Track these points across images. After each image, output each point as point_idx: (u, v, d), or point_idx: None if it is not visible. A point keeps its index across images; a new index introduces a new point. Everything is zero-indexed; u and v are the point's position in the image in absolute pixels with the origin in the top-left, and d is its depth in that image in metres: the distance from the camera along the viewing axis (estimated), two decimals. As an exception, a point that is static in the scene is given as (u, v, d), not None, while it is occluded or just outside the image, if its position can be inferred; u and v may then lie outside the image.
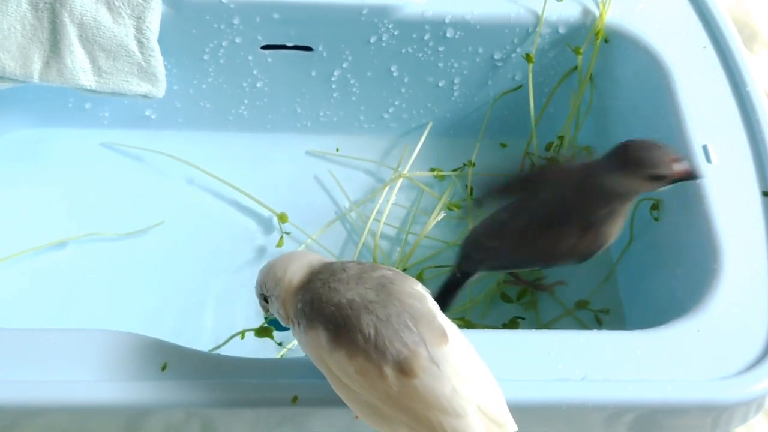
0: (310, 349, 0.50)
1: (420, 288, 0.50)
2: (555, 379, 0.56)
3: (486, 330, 0.61)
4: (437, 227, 0.81)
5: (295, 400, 0.54)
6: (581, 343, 0.58)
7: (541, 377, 0.56)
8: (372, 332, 0.47)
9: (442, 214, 0.81)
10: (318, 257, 0.54)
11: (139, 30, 0.74)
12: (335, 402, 0.51)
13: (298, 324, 0.51)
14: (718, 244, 0.63)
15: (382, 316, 0.47)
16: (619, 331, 0.60)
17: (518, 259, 0.67)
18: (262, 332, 0.61)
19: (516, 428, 0.48)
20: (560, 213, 0.63)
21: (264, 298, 0.55)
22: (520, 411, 0.55)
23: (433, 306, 0.50)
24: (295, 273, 0.52)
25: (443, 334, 0.48)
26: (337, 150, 0.86)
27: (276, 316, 0.54)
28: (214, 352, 0.58)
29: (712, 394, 0.55)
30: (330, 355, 0.48)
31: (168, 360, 0.55)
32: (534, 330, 0.64)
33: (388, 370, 0.46)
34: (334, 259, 0.55)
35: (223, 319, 0.74)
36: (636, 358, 0.57)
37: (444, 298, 0.69)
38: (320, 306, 0.49)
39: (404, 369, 0.46)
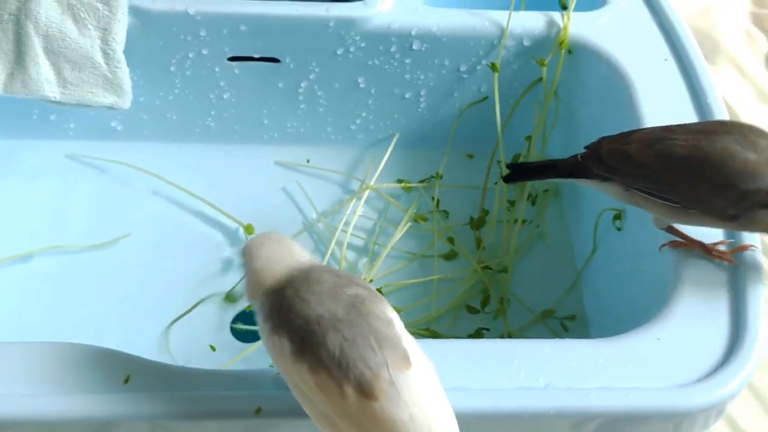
0: (272, 352, 0.50)
1: (389, 312, 0.50)
2: (518, 388, 0.56)
3: (449, 340, 0.61)
4: (403, 239, 0.81)
5: (258, 411, 0.54)
6: (544, 352, 0.58)
7: (504, 386, 0.56)
8: (337, 351, 0.47)
9: (409, 225, 0.81)
10: (302, 258, 0.54)
11: (104, 41, 0.74)
12: (299, 414, 0.51)
13: (264, 323, 0.51)
14: (678, 252, 0.64)
15: (348, 337, 0.48)
16: (581, 339, 0.60)
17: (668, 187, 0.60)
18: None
19: None
20: None
21: (243, 260, 0.55)
22: (483, 420, 0.56)
23: (401, 330, 0.50)
24: (274, 271, 0.52)
25: (406, 359, 0.48)
26: (308, 161, 0.86)
27: (244, 285, 0.54)
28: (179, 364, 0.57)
29: (673, 401, 0.56)
30: (292, 365, 0.48)
31: (131, 372, 0.55)
32: (497, 339, 0.65)
33: (349, 390, 0.46)
34: (317, 261, 0.55)
35: (188, 331, 0.73)
36: (598, 366, 0.58)
37: (526, 172, 0.67)
38: (288, 316, 0.49)
39: (365, 391, 0.46)
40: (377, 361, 0.47)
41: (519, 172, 0.70)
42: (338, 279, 0.51)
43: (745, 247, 0.63)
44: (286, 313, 0.50)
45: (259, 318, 0.52)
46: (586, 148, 0.65)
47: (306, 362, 0.48)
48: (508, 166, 0.69)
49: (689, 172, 0.59)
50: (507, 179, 0.70)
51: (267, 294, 0.52)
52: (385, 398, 0.46)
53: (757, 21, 1.12)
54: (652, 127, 0.63)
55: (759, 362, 0.59)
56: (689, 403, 0.56)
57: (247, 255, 0.54)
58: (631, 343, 0.59)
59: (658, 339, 0.59)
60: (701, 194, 0.59)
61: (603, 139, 0.64)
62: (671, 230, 0.64)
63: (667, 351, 0.59)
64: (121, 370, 0.55)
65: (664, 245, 0.65)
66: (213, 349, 0.71)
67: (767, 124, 1.00)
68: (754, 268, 0.63)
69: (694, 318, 0.61)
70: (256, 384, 0.54)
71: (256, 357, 0.70)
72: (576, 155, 0.65)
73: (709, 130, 0.61)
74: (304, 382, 0.48)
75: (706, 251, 0.63)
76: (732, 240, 0.64)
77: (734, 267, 0.63)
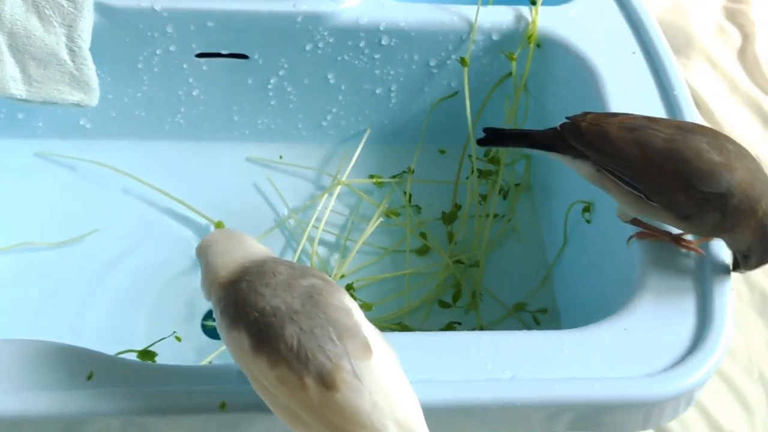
0: (231, 348, 0.50)
1: (347, 301, 0.50)
2: (484, 380, 0.56)
3: (416, 333, 0.61)
4: (376, 234, 0.81)
5: (223, 406, 0.53)
6: (511, 344, 0.58)
7: (471, 378, 0.56)
8: (295, 343, 0.47)
9: (381, 221, 0.81)
10: (257, 251, 0.53)
11: (70, 38, 0.73)
12: (264, 408, 0.51)
13: (222, 319, 0.51)
14: (646, 244, 0.64)
15: (306, 328, 0.47)
16: (548, 330, 0.60)
17: (639, 177, 0.60)
18: (144, 356, 0.62)
19: None
20: None
21: (199, 257, 0.55)
22: (450, 412, 0.56)
23: (360, 319, 0.50)
24: (227, 265, 0.52)
25: (367, 348, 0.48)
26: (281, 157, 0.86)
27: (202, 286, 0.54)
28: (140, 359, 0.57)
29: (639, 390, 0.56)
30: (253, 360, 0.48)
31: (94, 369, 0.54)
32: (464, 331, 0.65)
33: (310, 382, 0.46)
34: (273, 255, 0.55)
35: (156, 328, 0.73)
36: (564, 357, 0.58)
37: (500, 138, 0.66)
38: (244, 309, 0.49)
39: (326, 382, 0.46)
40: (337, 352, 0.47)
41: (494, 136, 0.68)
42: (293, 271, 0.50)
43: (709, 238, 0.63)
44: (242, 306, 0.49)
45: (216, 314, 0.51)
46: (568, 118, 0.64)
47: (265, 356, 0.47)
48: (484, 130, 0.68)
49: (660, 164, 0.59)
50: (481, 142, 0.69)
51: (222, 288, 0.51)
52: (347, 388, 0.46)
53: (730, 15, 1.13)
54: (637, 115, 0.63)
55: (726, 351, 0.60)
56: (656, 392, 0.57)
57: (201, 252, 0.54)
58: (598, 334, 0.59)
59: (625, 329, 0.59)
60: (666, 188, 0.59)
61: (587, 113, 0.64)
62: (636, 223, 0.64)
63: (634, 341, 0.59)
64: (84, 367, 0.54)
65: (632, 237, 0.65)
66: (178, 339, 0.70)
67: (739, 117, 1.03)
68: (721, 257, 0.63)
69: (661, 308, 0.61)
70: (220, 379, 0.54)
71: (226, 353, 0.70)
72: (555, 126, 0.65)
73: (686, 128, 0.61)
74: (264, 377, 0.48)
75: (674, 241, 0.64)
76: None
77: (700, 257, 0.63)
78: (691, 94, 1.03)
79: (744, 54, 1.09)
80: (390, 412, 0.46)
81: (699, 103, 1.04)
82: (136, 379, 0.54)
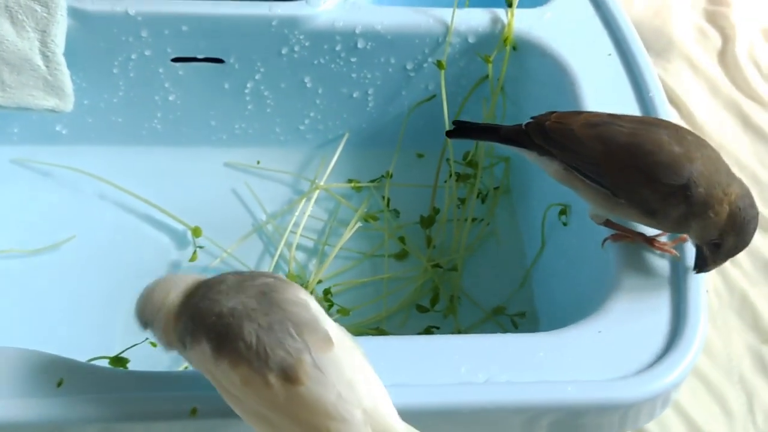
0: (198, 364, 0.50)
1: (303, 294, 0.50)
2: (458, 383, 0.56)
3: (390, 337, 0.61)
4: (354, 239, 0.81)
5: (194, 412, 0.53)
6: (485, 347, 0.58)
7: (444, 381, 0.56)
8: (254, 340, 0.47)
9: (359, 225, 0.81)
10: (194, 277, 0.53)
11: (43, 43, 0.73)
12: (235, 414, 0.51)
13: (184, 344, 0.51)
14: (620, 246, 0.64)
15: (263, 324, 0.47)
16: (522, 333, 0.60)
17: (603, 174, 0.60)
18: (116, 362, 0.61)
19: (403, 430, 0.48)
20: None
21: (145, 325, 0.54)
22: (424, 416, 0.55)
23: (317, 311, 0.49)
24: (175, 296, 0.52)
25: (328, 340, 0.47)
26: (258, 162, 0.85)
27: (158, 342, 0.53)
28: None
29: (612, 393, 0.56)
30: (216, 366, 0.48)
31: (64, 375, 0.54)
32: (438, 335, 0.64)
33: (273, 379, 0.46)
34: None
35: (133, 334, 0.72)
36: (538, 360, 0.57)
37: (469, 131, 0.66)
38: (201, 318, 0.49)
39: (289, 376, 0.46)
40: (297, 346, 0.47)
41: (463, 129, 0.68)
42: (241, 275, 0.50)
43: (684, 239, 0.63)
44: (199, 318, 0.49)
45: (181, 348, 0.51)
46: (532, 118, 0.64)
47: (226, 357, 0.47)
48: (453, 122, 0.68)
49: (623, 158, 0.59)
50: (449, 134, 0.69)
51: (177, 316, 0.51)
52: (311, 381, 0.46)
53: (711, 18, 1.13)
54: (601, 112, 0.63)
55: (700, 351, 0.59)
56: (630, 394, 0.56)
57: (142, 309, 0.53)
58: (572, 337, 0.59)
59: (599, 332, 0.59)
60: (630, 183, 0.59)
61: (552, 112, 0.64)
62: (609, 224, 0.64)
63: (609, 343, 0.59)
64: (55, 374, 0.54)
65: (606, 239, 0.65)
66: (153, 345, 0.70)
67: (719, 119, 1.03)
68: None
69: (635, 310, 0.61)
70: (191, 385, 0.54)
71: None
72: (521, 123, 0.65)
73: (648, 121, 0.61)
74: (230, 382, 0.47)
75: (648, 243, 0.63)
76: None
77: (675, 258, 0.63)
78: (671, 97, 1.05)
79: (724, 56, 1.10)
80: (356, 401, 0.46)
81: (680, 106, 1.04)
82: (106, 385, 0.54)
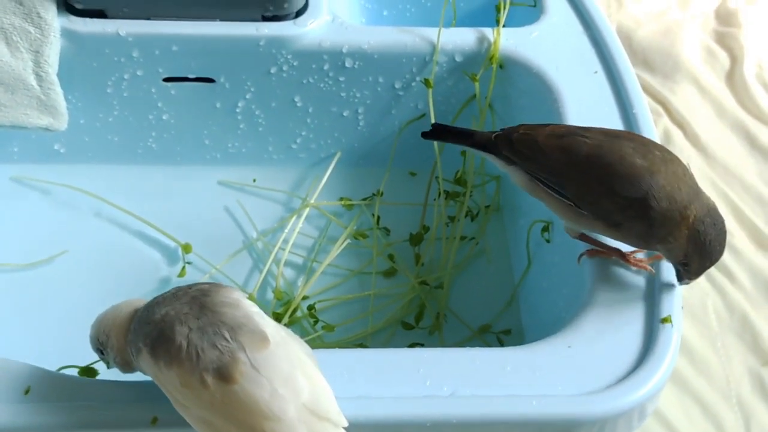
0: (147, 371, 0.51)
1: (236, 295, 0.51)
2: (422, 396, 0.56)
3: (354, 349, 0.61)
4: (344, 256, 0.81)
5: (154, 421, 0.54)
6: (452, 361, 0.58)
7: (409, 394, 0.56)
8: (184, 342, 0.48)
9: (348, 242, 0.81)
10: (143, 301, 0.55)
11: (37, 64, 0.75)
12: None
13: (133, 355, 0.52)
14: (596, 261, 0.63)
15: (194, 327, 0.48)
16: (489, 348, 0.60)
17: (566, 184, 0.60)
18: (86, 372, 0.62)
19: (346, 423, 0.48)
20: None
21: (101, 352, 0.56)
22: (387, 428, 0.55)
23: (252, 311, 0.50)
24: (123, 318, 0.54)
25: (263, 338, 0.48)
26: (254, 181, 0.86)
27: (116, 365, 0.55)
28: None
29: (578, 408, 0.56)
30: (158, 370, 0.49)
31: (32, 383, 0.55)
32: (403, 348, 0.64)
33: (209, 379, 0.47)
34: None
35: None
36: (505, 374, 0.57)
37: (445, 133, 0.66)
38: (141, 328, 0.51)
39: (224, 375, 0.47)
40: (231, 346, 0.47)
41: (439, 131, 0.68)
42: (180, 288, 0.52)
43: (660, 256, 0.63)
44: (139, 328, 0.51)
45: (136, 362, 0.52)
46: (501, 129, 0.65)
47: (161, 359, 0.48)
48: (432, 125, 0.68)
49: (583, 169, 0.59)
50: (425, 135, 0.69)
51: (126, 335, 0.53)
52: (244, 379, 0.47)
53: (720, 39, 1.12)
54: (571, 125, 0.63)
55: (672, 367, 0.59)
56: (597, 409, 0.56)
57: (96, 332, 0.55)
58: (541, 352, 0.59)
59: (569, 347, 0.59)
60: (592, 195, 0.59)
61: (521, 125, 0.64)
62: (584, 239, 0.64)
63: (578, 358, 0.58)
64: (23, 381, 0.55)
65: (582, 255, 0.64)
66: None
67: (725, 141, 1.02)
68: (672, 272, 0.62)
69: (607, 325, 0.60)
70: (154, 395, 0.54)
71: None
72: (492, 132, 0.65)
73: (615, 134, 0.61)
74: (174, 387, 0.48)
75: (623, 259, 0.63)
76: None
77: (650, 274, 0.62)
78: (677, 118, 1.04)
79: (732, 77, 1.09)
80: (293, 398, 0.46)
81: (685, 127, 1.03)
82: (72, 394, 0.55)
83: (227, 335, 0.48)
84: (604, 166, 0.58)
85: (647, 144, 0.59)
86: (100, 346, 0.55)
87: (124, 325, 0.53)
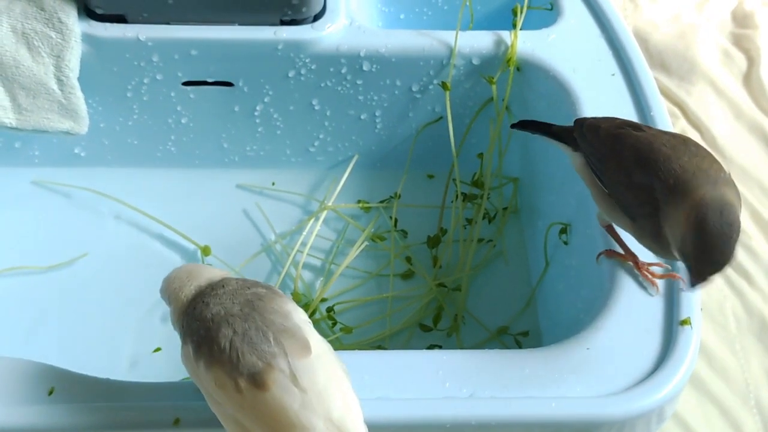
0: (186, 363, 0.52)
1: (288, 305, 0.51)
2: (442, 398, 0.56)
3: (375, 351, 0.61)
4: (361, 258, 0.81)
5: (177, 422, 0.54)
6: (471, 363, 0.58)
7: (428, 396, 0.56)
8: (227, 344, 0.48)
9: (365, 245, 0.81)
10: (217, 273, 0.55)
11: (58, 68, 0.76)
12: (218, 424, 0.52)
13: (183, 343, 0.53)
14: (616, 262, 0.63)
15: (239, 330, 0.49)
16: (507, 350, 0.60)
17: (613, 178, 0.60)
18: None
19: None
20: None
21: (168, 304, 0.56)
22: (406, 429, 0.56)
23: (301, 322, 0.50)
24: (189, 290, 0.54)
25: (305, 346, 0.49)
26: (273, 184, 0.87)
27: (173, 325, 0.56)
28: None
29: (597, 409, 0.56)
30: (197, 368, 0.49)
31: (55, 384, 0.56)
32: (422, 350, 0.65)
33: (243, 383, 0.47)
34: (232, 275, 0.56)
35: (142, 350, 0.74)
36: (524, 376, 0.57)
37: (529, 125, 0.69)
38: (191, 321, 0.51)
39: (257, 382, 0.47)
40: (271, 352, 0.48)
41: (525, 124, 0.70)
42: (243, 283, 0.52)
43: (674, 276, 0.63)
44: (191, 320, 0.51)
45: (183, 356, 0.53)
46: (577, 119, 0.66)
47: (202, 359, 0.49)
48: (520, 121, 0.71)
49: (622, 157, 0.59)
50: (514, 126, 0.71)
51: (183, 315, 0.53)
52: (276, 387, 0.47)
53: (737, 40, 1.12)
54: (642, 124, 0.64)
55: (692, 368, 0.59)
56: (615, 411, 0.56)
57: (164, 290, 0.56)
58: (560, 354, 0.59)
59: (588, 348, 0.59)
60: (620, 183, 0.59)
61: (598, 118, 0.65)
62: (610, 231, 0.64)
63: (597, 360, 0.58)
64: (46, 383, 0.56)
65: (600, 254, 0.64)
66: (158, 349, 0.73)
67: (743, 143, 1.02)
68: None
69: (626, 327, 0.60)
70: (176, 395, 0.55)
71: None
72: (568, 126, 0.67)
73: (672, 134, 0.60)
74: (209, 385, 0.49)
75: (636, 266, 0.63)
76: (668, 266, 0.64)
77: (671, 278, 0.62)
78: (694, 120, 1.04)
79: (749, 79, 1.08)
80: (323, 411, 0.47)
81: (702, 129, 1.03)
82: (95, 394, 0.55)
83: (271, 339, 0.48)
84: (632, 152, 0.58)
85: (688, 142, 0.58)
86: (165, 300, 0.56)
87: (184, 304, 0.53)
